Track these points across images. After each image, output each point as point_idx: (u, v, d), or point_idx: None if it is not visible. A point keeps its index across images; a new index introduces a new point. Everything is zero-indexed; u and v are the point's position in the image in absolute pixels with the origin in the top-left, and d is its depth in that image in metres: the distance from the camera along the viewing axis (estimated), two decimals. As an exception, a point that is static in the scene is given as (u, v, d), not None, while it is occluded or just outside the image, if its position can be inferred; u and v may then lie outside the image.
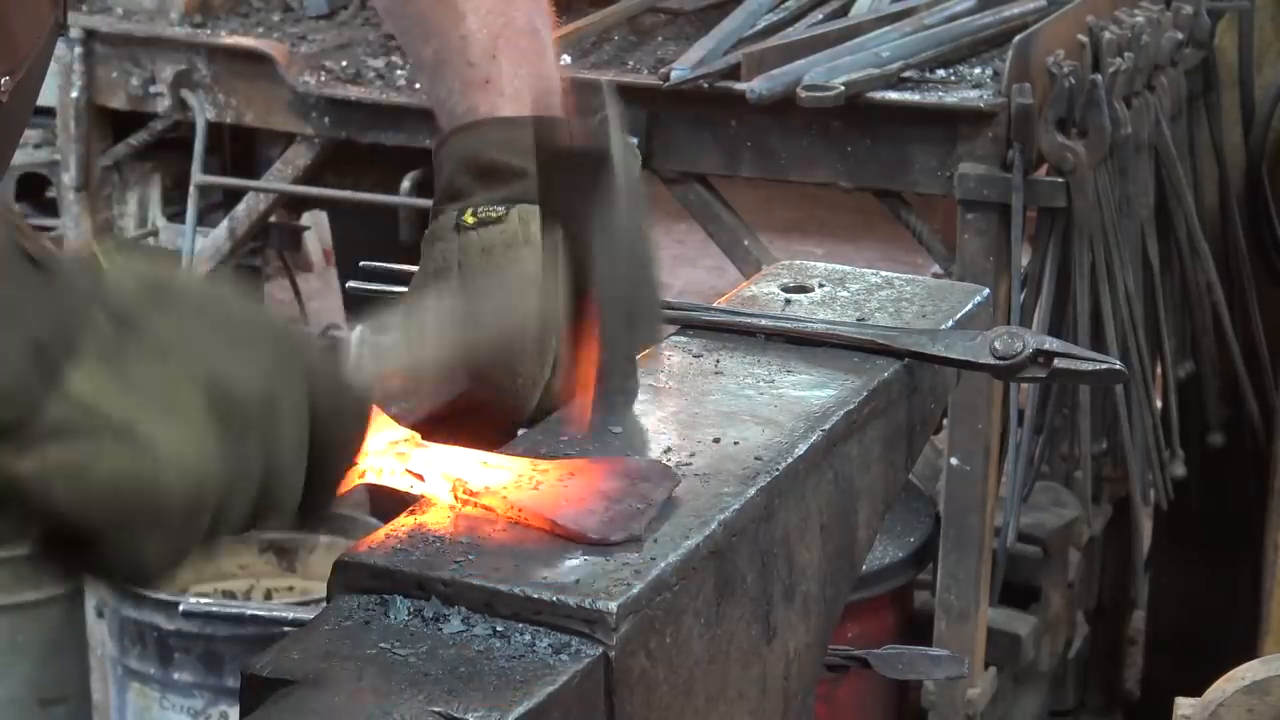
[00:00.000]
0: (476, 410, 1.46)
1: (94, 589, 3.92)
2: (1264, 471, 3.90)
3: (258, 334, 1.16)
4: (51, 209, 4.04)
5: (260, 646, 1.27)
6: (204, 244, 3.85)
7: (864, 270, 1.84)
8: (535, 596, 1.24)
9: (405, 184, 3.65)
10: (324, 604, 1.28)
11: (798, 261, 1.87)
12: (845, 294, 1.77)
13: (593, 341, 1.42)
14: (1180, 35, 3.59)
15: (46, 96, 2.49)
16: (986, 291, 1.82)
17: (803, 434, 1.48)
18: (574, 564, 1.28)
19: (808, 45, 3.34)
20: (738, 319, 1.69)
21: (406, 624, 1.25)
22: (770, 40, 3.40)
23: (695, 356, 1.64)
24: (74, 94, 3.80)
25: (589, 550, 1.29)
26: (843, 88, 3.14)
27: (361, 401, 1.23)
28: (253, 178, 3.99)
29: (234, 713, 3.49)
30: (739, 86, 3.23)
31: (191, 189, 3.80)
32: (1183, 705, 2.37)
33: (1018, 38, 3.19)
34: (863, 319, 1.71)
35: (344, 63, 3.66)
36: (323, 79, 3.61)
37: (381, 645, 1.22)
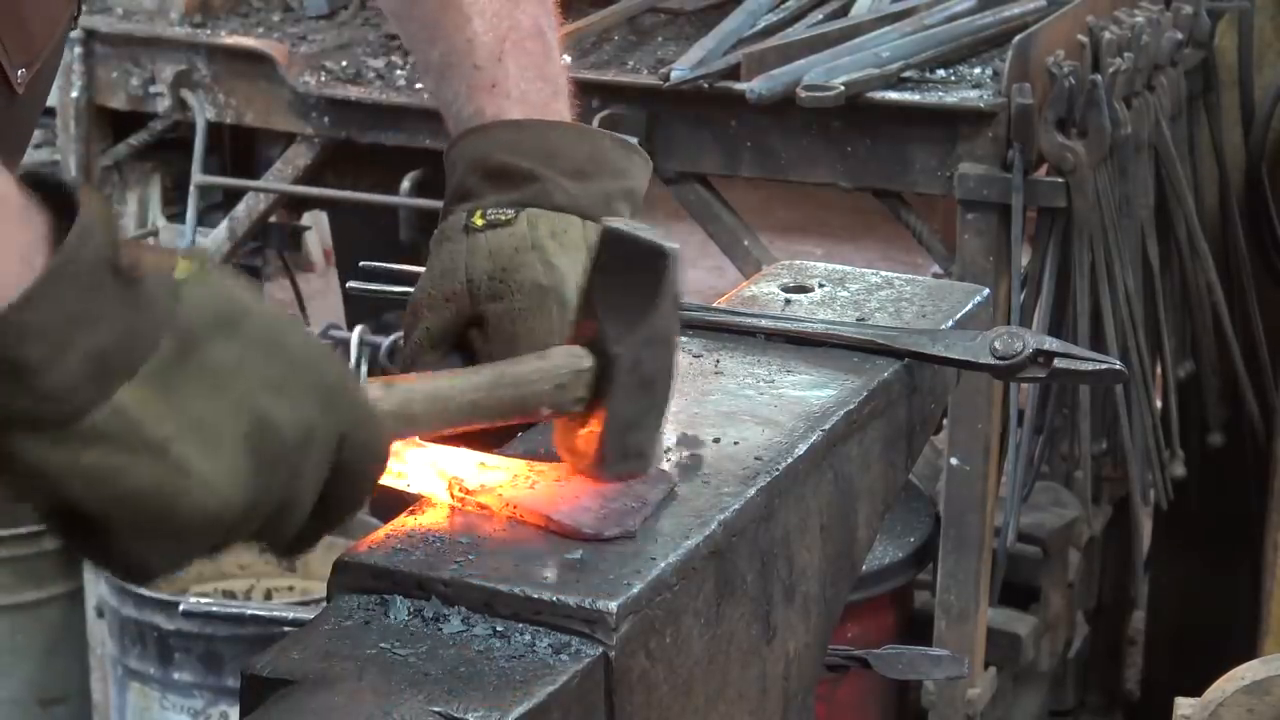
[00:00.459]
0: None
1: (94, 583, 3.92)
2: (1264, 471, 3.90)
3: (309, 373, 1.19)
4: (51, 209, 4.03)
5: (260, 646, 1.28)
6: (204, 244, 3.84)
7: (864, 270, 1.84)
8: (535, 596, 1.24)
9: (405, 184, 3.65)
10: (324, 604, 1.28)
11: (798, 261, 1.87)
12: (845, 294, 1.77)
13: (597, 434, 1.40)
14: (1180, 35, 3.59)
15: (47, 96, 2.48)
16: (986, 291, 1.82)
17: (803, 434, 1.48)
18: (574, 564, 1.28)
19: (808, 45, 3.34)
20: (738, 319, 1.69)
21: (406, 624, 1.25)
22: (770, 40, 3.40)
23: (695, 356, 1.64)
24: (74, 94, 3.80)
25: (589, 551, 1.29)
26: (843, 88, 3.14)
27: (383, 443, 1.25)
28: (253, 178, 3.99)
29: (234, 713, 3.49)
30: (739, 86, 3.23)
31: (191, 189, 3.80)
32: (1183, 705, 2.37)
33: (1018, 38, 3.19)
34: (863, 319, 1.71)
35: (344, 63, 3.66)
36: (323, 79, 3.61)
37: (381, 645, 1.23)
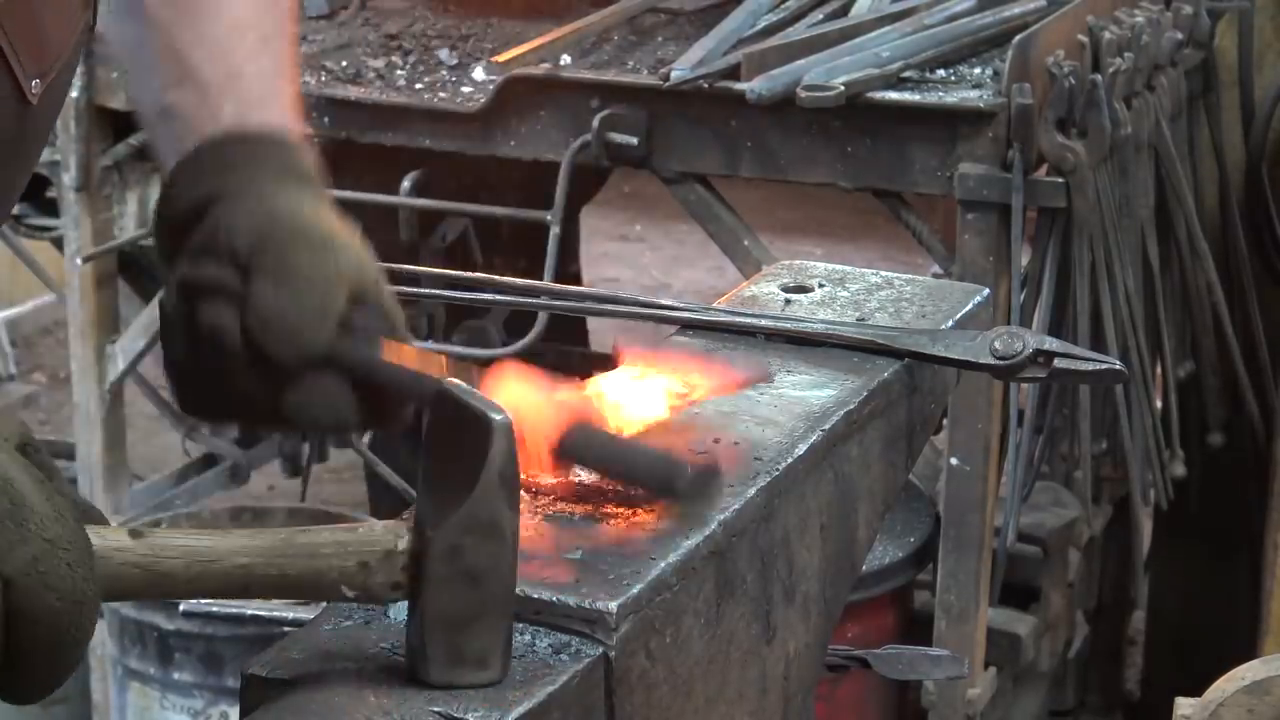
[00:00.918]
0: None
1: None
2: (1264, 471, 3.90)
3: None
4: (52, 209, 4.03)
5: (260, 646, 1.27)
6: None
7: (864, 270, 1.84)
8: (535, 596, 1.24)
9: (405, 184, 3.65)
10: (324, 604, 1.28)
11: (798, 261, 1.87)
12: (845, 294, 1.77)
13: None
14: (1180, 35, 3.59)
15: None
16: (986, 291, 1.82)
17: (803, 434, 1.48)
18: (574, 564, 1.28)
19: (808, 45, 3.34)
20: (738, 319, 1.69)
21: (407, 624, 1.25)
22: (770, 40, 3.40)
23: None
24: (74, 94, 3.79)
25: (589, 550, 1.29)
26: (843, 88, 3.14)
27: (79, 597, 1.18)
28: (253, 178, 3.98)
29: (234, 713, 3.49)
30: (739, 86, 3.23)
31: (192, 189, 3.79)
32: (1183, 705, 2.37)
33: (1018, 38, 3.19)
34: (863, 319, 1.71)
35: (344, 63, 3.66)
36: (323, 79, 3.61)
37: (381, 645, 1.22)
